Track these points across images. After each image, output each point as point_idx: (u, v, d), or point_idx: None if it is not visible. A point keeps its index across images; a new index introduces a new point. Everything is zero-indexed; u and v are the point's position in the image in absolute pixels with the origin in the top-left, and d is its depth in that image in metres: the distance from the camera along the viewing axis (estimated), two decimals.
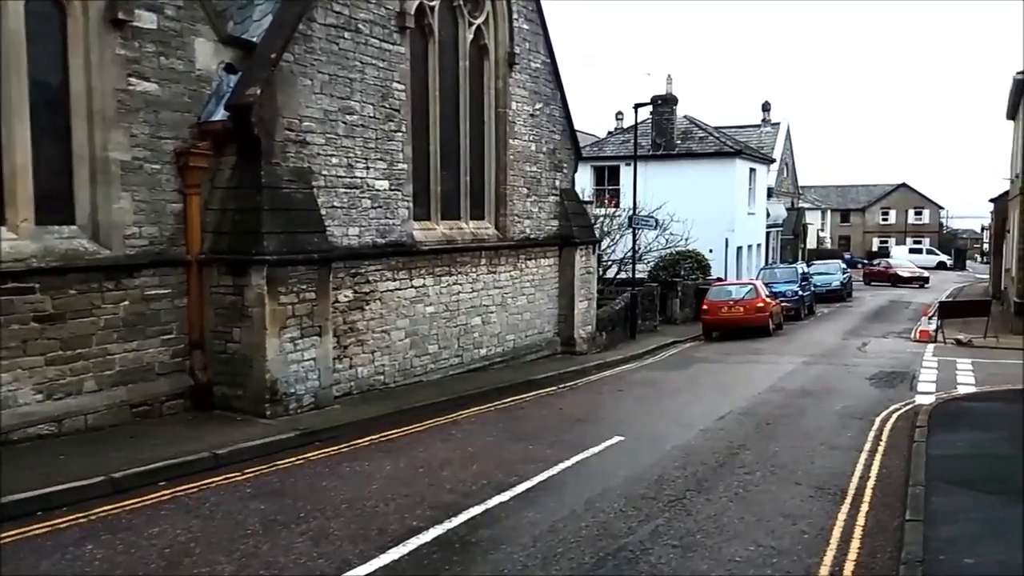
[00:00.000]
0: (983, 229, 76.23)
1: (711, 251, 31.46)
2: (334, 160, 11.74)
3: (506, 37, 15.82)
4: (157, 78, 10.16)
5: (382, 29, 12.55)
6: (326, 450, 9.43)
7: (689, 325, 25.77)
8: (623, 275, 26.40)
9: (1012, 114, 29.48)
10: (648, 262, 28.66)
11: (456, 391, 12.90)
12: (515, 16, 15.98)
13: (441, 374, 14.14)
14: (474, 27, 15.12)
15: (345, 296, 11.94)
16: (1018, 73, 25.02)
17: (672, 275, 28.20)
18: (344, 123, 11.89)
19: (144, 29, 9.96)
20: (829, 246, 74.03)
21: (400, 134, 13.03)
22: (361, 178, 12.25)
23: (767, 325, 23.51)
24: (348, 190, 12.01)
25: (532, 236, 17.15)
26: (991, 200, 43.71)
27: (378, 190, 12.58)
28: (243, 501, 7.49)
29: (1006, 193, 34.26)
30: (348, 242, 12.02)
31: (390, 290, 12.85)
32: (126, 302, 9.94)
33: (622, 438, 10.25)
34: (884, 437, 10.36)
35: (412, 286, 13.39)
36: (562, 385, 14.73)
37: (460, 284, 14.72)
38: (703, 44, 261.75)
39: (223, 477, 8.26)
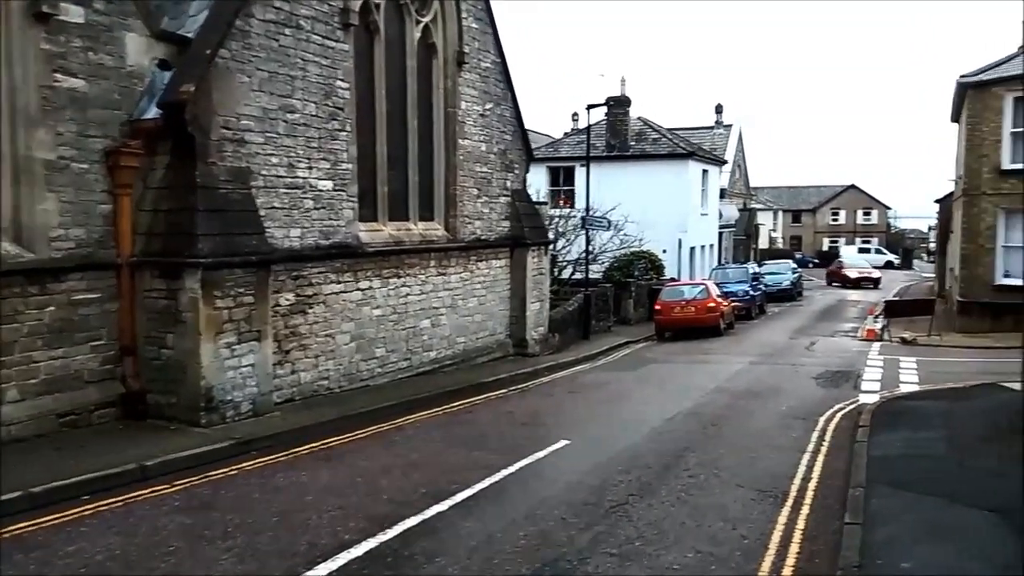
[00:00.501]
0: (930, 229, 78.18)
1: (665, 251, 31.68)
2: (274, 160, 11.41)
3: (455, 36, 15.62)
4: (85, 74, 9.74)
5: (325, 26, 12.25)
6: (263, 459, 9.12)
7: (643, 325, 25.87)
8: (578, 276, 26.40)
9: (956, 117, 30.14)
10: (603, 263, 28.72)
11: (403, 395, 12.65)
12: (464, 15, 15.79)
13: (389, 378, 13.87)
14: (422, 25, 14.88)
15: (286, 299, 11.61)
16: (961, 76, 25.57)
17: (626, 275, 28.29)
18: (285, 121, 11.57)
19: (71, 23, 9.53)
20: (781, 246, 75.24)
21: (344, 133, 12.75)
22: (303, 178, 11.94)
23: (718, 325, 23.70)
24: (289, 190, 11.69)
25: (483, 237, 16.97)
26: (936, 201, 44.79)
27: (321, 190, 12.28)
28: (169, 515, 7.18)
29: (951, 194, 35.07)
30: (289, 244, 11.70)
31: (334, 293, 12.55)
32: (52, 307, 9.50)
33: (568, 442, 10.13)
34: (827, 437, 10.41)
35: (358, 288, 13.11)
36: (513, 387, 14.59)
37: (408, 286, 14.47)
38: (657, 47, 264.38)
39: (151, 490, 7.91)
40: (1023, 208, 22.00)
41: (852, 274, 48.48)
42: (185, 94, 10.17)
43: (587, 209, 24.58)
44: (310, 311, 12.06)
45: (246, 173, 10.92)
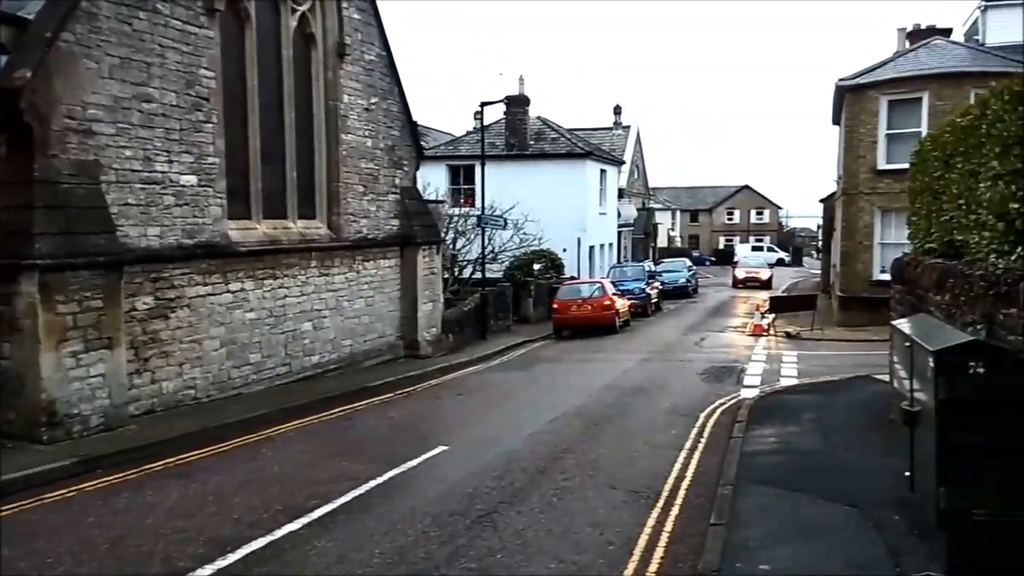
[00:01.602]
0: (818, 227, 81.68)
1: (565, 250, 31.75)
2: (128, 152, 10.58)
3: (335, 26, 15.02)
4: None
5: (186, 11, 11.47)
6: (109, 478, 8.39)
7: (542, 324, 25.77)
8: (479, 275, 26.11)
9: (836, 119, 31.37)
10: (503, 262, 28.53)
11: (278, 403, 12.02)
12: (344, 5, 15.20)
13: (265, 385, 13.17)
14: (298, 14, 14.24)
15: (144, 303, 10.80)
16: (840, 80, 26.59)
17: (527, 274, 28.17)
18: (140, 111, 10.76)
19: None
20: (680, 245, 77.16)
21: (210, 125, 11.99)
22: (162, 172, 11.14)
23: (614, 323, 23.83)
24: (146, 185, 10.88)
25: (370, 236, 16.43)
26: (821, 200, 46.63)
27: (184, 186, 11.50)
28: None
29: (834, 194, 36.54)
30: (147, 243, 10.89)
31: (200, 296, 11.78)
32: None
33: (446, 447, 9.78)
34: (706, 434, 10.41)
35: (228, 291, 12.37)
36: (399, 391, 14.12)
37: (287, 288, 13.79)
38: (558, 47, 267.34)
39: None
40: (898, 207, 23.02)
41: (740, 275, 45.95)
42: (21, 80, 9.30)
43: (482, 207, 24.31)
44: (172, 315, 11.27)
45: (94, 167, 10.07)
